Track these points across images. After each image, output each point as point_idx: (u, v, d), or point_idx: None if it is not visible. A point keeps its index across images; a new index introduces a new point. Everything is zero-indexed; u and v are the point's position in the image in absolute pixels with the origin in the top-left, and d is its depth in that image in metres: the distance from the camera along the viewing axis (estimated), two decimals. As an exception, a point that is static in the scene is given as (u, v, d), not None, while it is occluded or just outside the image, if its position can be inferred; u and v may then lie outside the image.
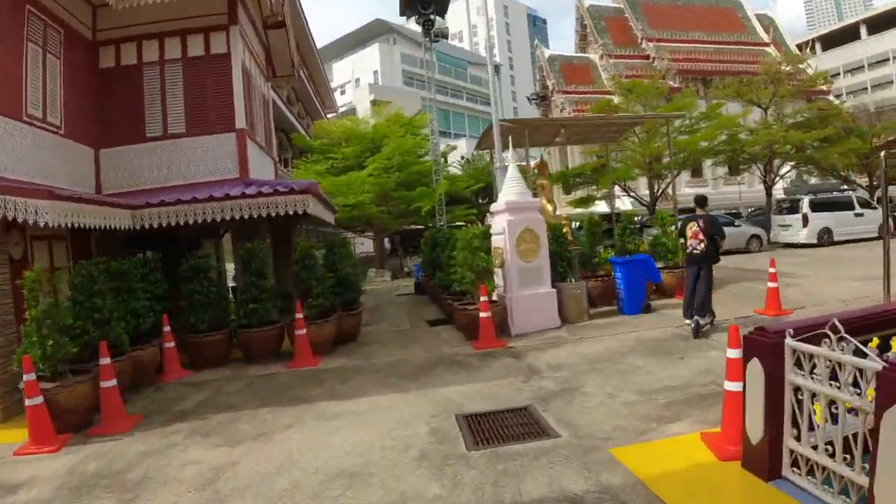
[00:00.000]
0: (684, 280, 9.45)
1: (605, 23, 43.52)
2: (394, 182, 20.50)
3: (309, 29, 36.21)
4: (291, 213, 9.17)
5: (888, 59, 75.38)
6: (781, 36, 47.74)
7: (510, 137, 11.11)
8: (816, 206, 22.81)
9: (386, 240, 32.12)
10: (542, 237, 9.42)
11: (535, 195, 13.64)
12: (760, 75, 26.86)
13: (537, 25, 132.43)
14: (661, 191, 24.37)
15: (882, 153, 7.31)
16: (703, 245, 8.57)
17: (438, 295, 12.10)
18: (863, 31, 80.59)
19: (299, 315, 8.56)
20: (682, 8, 45.94)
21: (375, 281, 21.18)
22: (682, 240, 9.49)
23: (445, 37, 19.94)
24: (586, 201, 25.29)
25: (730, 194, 40.44)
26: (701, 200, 9.12)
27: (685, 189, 41.80)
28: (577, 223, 18.03)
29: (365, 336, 10.33)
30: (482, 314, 8.53)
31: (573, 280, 10.12)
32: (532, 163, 16.69)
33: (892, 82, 70.04)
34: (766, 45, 45.10)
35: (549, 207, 13.12)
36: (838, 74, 65.88)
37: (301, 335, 8.56)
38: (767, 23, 47.90)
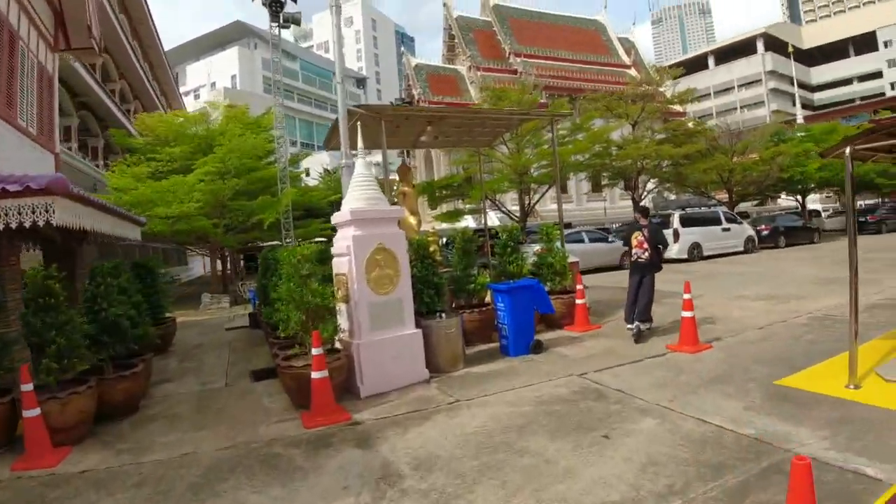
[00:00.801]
0: (574, 308, 9.65)
1: (473, 35, 42.54)
2: (230, 189, 17.18)
3: (153, 21, 32.00)
4: (27, 223, 6.03)
5: (733, 88, 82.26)
6: (641, 59, 49.40)
7: (360, 133, 8.65)
8: (686, 222, 22.41)
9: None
10: (401, 259, 6.89)
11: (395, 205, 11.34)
12: (627, 94, 26.63)
13: (405, 43, 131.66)
14: (531, 206, 22.98)
15: (847, 149, 5.44)
16: (647, 254, 8.84)
17: (269, 336, 9.21)
18: (710, 61, 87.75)
19: (26, 387, 5.40)
20: (549, 26, 46.13)
21: (211, 308, 17.69)
22: (626, 247, 9.60)
23: (297, 22, 17.15)
24: (454, 216, 23.34)
25: (595, 210, 40.68)
26: (644, 211, 9.37)
27: (550, 205, 41.60)
28: (446, 239, 15.87)
29: (156, 402, 7.15)
30: (315, 374, 5.82)
31: (444, 315, 7.68)
32: (392, 175, 14.31)
33: (736, 108, 76.31)
34: (628, 66, 46.37)
35: (413, 220, 10.74)
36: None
37: (31, 418, 5.40)
38: (629, 46, 49.49)
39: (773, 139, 31.78)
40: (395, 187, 12.09)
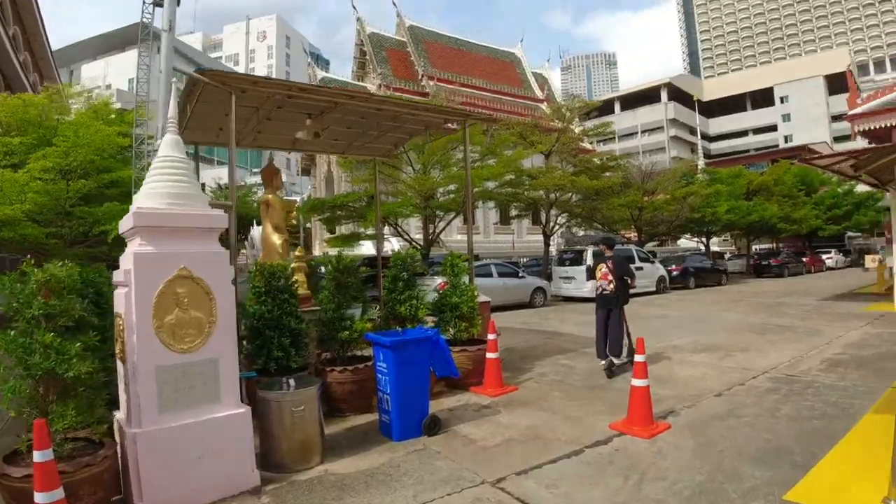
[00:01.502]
0: (485, 363, 7.48)
1: (386, 53, 40.62)
2: (74, 193, 13.86)
3: (38, 7, 27.87)
4: None
5: (636, 133, 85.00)
6: (554, 95, 49.21)
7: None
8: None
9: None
10: (219, 296, 4.25)
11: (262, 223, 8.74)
12: (541, 125, 25.41)
13: (320, 65, 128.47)
14: (435, 234, 20.88)
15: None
16: (612, 286, 8.58)
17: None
18: (616, 106, 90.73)
19: None
20: (465, 53, 45.01)
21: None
22: (592, 280, 9.27)
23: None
24: (350, 240, 20.81)
25: (502, 243, 39.27)
26: (609, 242, 9.27)
27: (457, 235, 39.86)
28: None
29: None
30: (39, 497, 3.18)
31: (291, 384, 5.10)
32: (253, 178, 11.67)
33: (638, 153, 78.62)
34: (541, 101, 45.86)
35: (278, 240, 8.23)
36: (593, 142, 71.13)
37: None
38: (542, 81, 49.22)
39: (682, 180, 31.57)
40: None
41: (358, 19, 41.60)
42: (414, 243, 21.13)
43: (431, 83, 38.75)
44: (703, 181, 29.78)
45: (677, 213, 27.61)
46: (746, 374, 7.95)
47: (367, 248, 34.14)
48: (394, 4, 42.51)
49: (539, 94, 47.00)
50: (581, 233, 30.35)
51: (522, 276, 18.96)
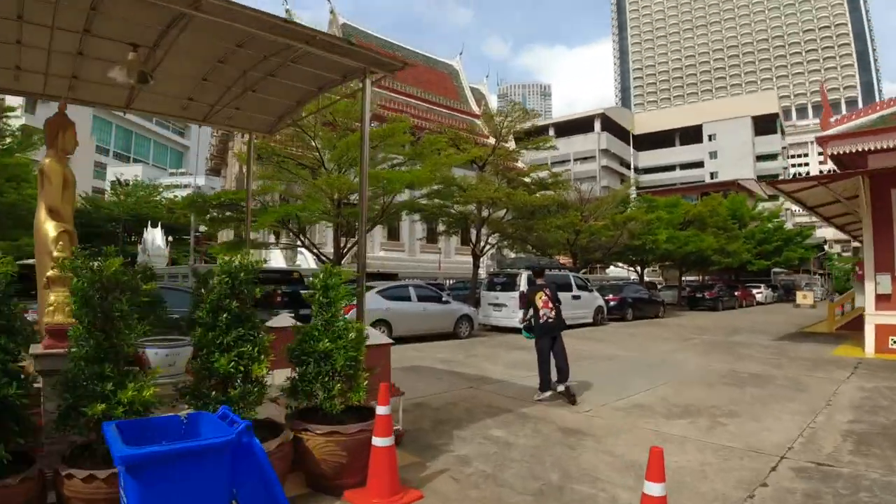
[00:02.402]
0: (368, 453, 4.36)
1: (314, 51, 37.36)
2: None
3: None
4: None
5: (569, 160, 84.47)
6: (490, 112, 47.18)
7: None
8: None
9: None
10: None
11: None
12: (475, 136, 23.00)
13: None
14: (347, 248, 17.88)
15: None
16: (554, 312, 8.54)
17: None
18: (551, 132, 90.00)
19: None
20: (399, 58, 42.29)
21: None
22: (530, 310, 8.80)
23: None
24: (236, 247, 17.42)
25: (428, 263, 36.50)
26: (539, 270, 9.47)
27: (379, 252, 36.77)
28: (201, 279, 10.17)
29: None
30: None
31: None
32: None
33: (571, 180, 77.93)
34: (477, 116, 43.70)
35: (52, 230, 5.04)
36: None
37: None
38: (479, 97, 47.20)
39: (619, 206, 29.79)
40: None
41: (287, 11, 38.25)
42: (323, 257, 18.00)
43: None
44: (642, 208, 28.00)
45: (616, 239, 25.63)
46: (759, 461, 5.33)
47: (276, 261, 30.68)
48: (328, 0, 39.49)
49: (476, 109, 44.89)
50: (513, 255, 27.88)
51: (447, 302, 16.14)
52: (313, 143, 15.97)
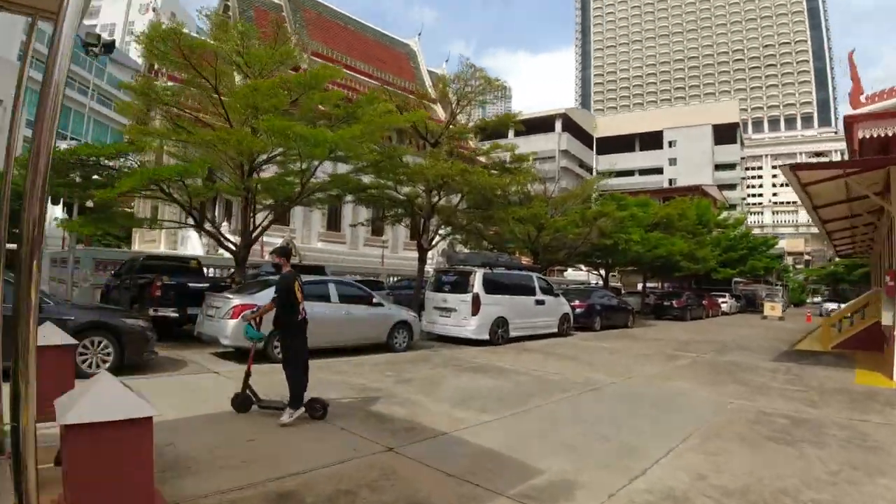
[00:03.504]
0: None
1: (254, 12, 33.39)
2: None
3: None
4: None
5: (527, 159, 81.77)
6: (450, 99, 43.72)
7: None
8: (491, 286, 15.05)
9: None
10: None
11: None
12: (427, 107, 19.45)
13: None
14: (256, 230, 14.16)
15: None
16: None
17: None
18: (510, 131, 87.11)
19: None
20: (352, 34, 38.67)
21: None
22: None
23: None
24: (106, 220, 13.44)
25: (371, 258, 32.82)
26: (283, 251, 7.20)
27: (317, 243, 32.84)
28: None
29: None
30: None
31: None
32: None
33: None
34: (434, 101, 40.21)
35: None
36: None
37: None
38: (436, 80, 43.65)
39: (586, 204, 26.69)
40: None
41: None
42: (224, 241, 14.14)
43: (305, 56, 31.82)
44: (612, 205, 24.85)
45: (584, 236, 22.48)
46: None
47: (193, 248, 26.46)
48: (272, -40, 35.37)
49: (433, 93, 41.32)
50: (465, 251, 24.39)
51: (378, 304, 12.47)
52: (213, 90, 12.17)
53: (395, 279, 25.05)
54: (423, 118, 16.93)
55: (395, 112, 12.74)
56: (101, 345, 8.78)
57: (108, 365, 8.78)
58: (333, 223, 32.83)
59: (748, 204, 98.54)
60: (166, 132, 12.48)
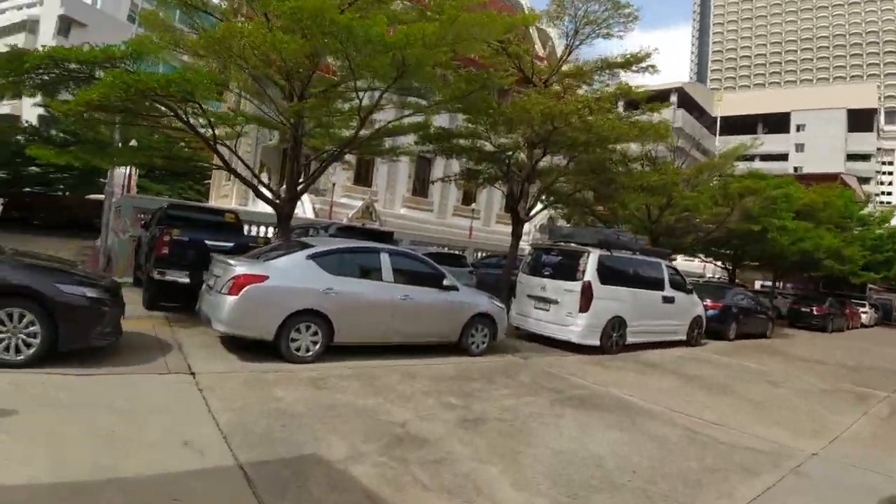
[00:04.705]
0: None
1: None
2: None
3: None
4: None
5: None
6: (557, 58, 39.16)
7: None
8: (608, 274, 11.10)
9: None
10: None
11: None
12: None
13: None
14: (309, 178, 10.81)
15: None
16: None
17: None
18: (620, 107, 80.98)
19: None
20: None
21: None
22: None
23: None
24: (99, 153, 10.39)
25: (460, 229, 29.24)
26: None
27: (401, 209, 29.50)
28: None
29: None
30: None
31: None
32: None
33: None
34: (542, 59, 35.83)
35: None
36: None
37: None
38: (545, 38, 39.21)
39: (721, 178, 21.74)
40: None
41: None
42: (266, 193, 10.91)
43: None
44: (765, 183, 19.71)
45: (722, 218, 17.87)
46: None
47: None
48: None
49: (540, 51, 36.86)
50: (566, 226, 20.23)
51: (450, 287, 8.76)
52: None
53: (483, 255, 21.38)
54: (535, 20, 12.95)
55: (493, 17, 8.90)
56: (23, 320, 5.67)
57: (32, 350, 5.68)
58: (420, 188, 29.50)
59: (880, 203, 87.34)
60: (169, 38, 9.23)
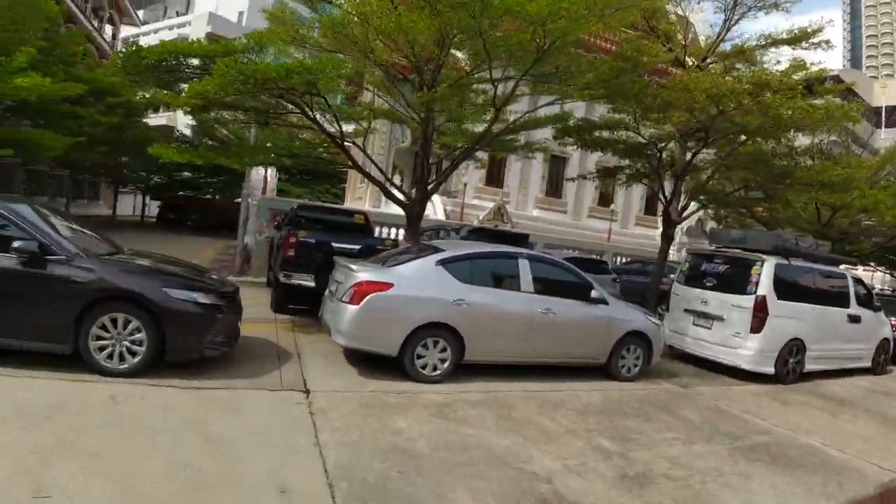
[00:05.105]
0: None
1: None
2: None
3: None
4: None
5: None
6: (700, 47, 36.16)
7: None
8: (785, 286, 9.33)
9: None
10: None
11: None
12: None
13: None
14: (441, 175, 9.96)
15: None
16: None
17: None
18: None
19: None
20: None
21: None
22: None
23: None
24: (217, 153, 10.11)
25: (596, 232, 27.44)
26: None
27: (533, 210, 28.20)
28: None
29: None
30: None
31: None
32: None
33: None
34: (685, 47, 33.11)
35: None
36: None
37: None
38: (683, 24, 36.21)
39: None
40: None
41: None
42: (396, 192, 10.27)
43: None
44: None
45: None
46: None
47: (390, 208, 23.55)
48: None
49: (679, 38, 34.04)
50: (723, 228, 17.90)
51: (599, 300, 7.44)
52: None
53: (624, 260, 19.70)
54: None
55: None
56: (128, 327, 5.24)
57: (137, 359, 5.24)
58: (553, 187, 28.14)
59: None
60: (292, 31, 8.68)
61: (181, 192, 34.46)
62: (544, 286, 7.03)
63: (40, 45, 12.28)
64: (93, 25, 30.10)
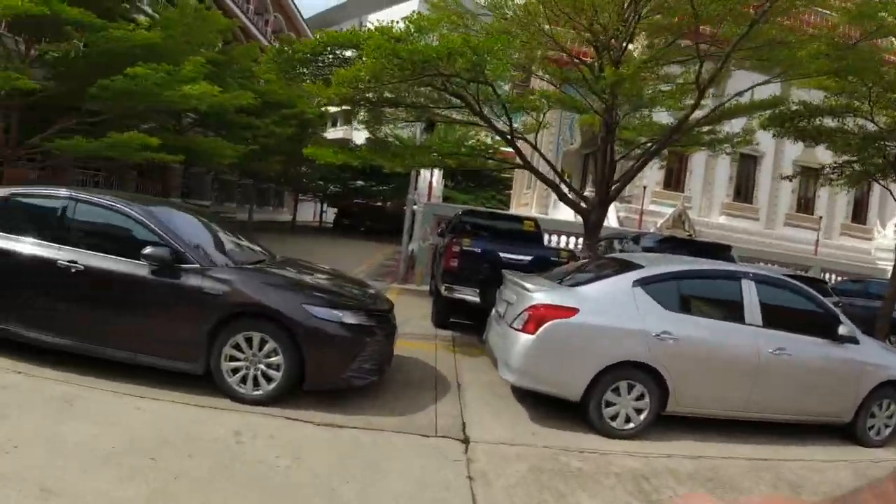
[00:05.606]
0: None
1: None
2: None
3: None
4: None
5: None
6: None
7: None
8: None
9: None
10: None
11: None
12: None
13: None
14: (625, 176, 8.52)
15: None
16: None
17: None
18: None
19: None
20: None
21: None
22: None
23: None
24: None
25: (794, 243, 23.78)
26: None
27: (718, 217, 25.17)
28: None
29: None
30: None
31: None
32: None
33: None
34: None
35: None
36: None
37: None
38: None
39: None
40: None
41: None
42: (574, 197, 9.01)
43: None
44: None
45: None
46: None
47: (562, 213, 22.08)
48: None
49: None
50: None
51: (847, 337, 5.53)
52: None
53: (836, 278, 16.62)
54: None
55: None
56: (264, 348, 4.53)
57: (272, 386, 4.50)
58: (743, 191, 24.96)
59: None
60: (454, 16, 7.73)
61: (356, 200, 35.91)
62: (775, 317, 5.32)
63: (218, 58, 12.64)
64: (261, 32, 32.54)
